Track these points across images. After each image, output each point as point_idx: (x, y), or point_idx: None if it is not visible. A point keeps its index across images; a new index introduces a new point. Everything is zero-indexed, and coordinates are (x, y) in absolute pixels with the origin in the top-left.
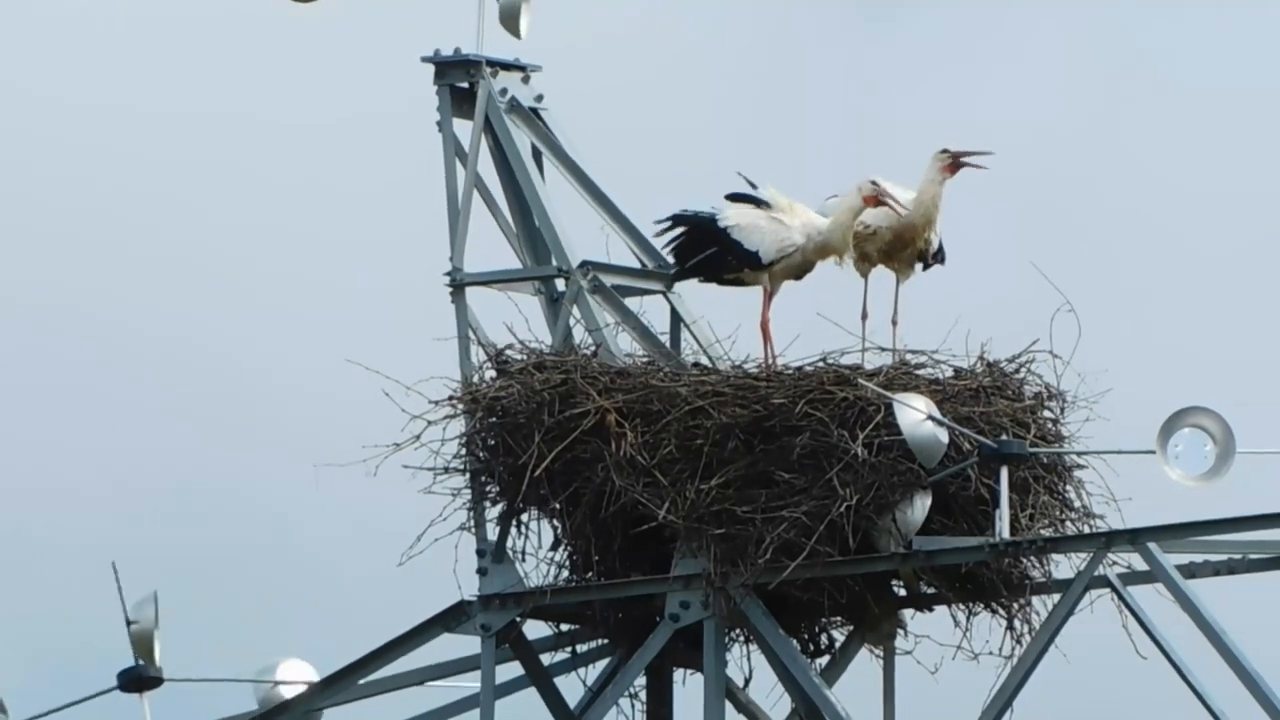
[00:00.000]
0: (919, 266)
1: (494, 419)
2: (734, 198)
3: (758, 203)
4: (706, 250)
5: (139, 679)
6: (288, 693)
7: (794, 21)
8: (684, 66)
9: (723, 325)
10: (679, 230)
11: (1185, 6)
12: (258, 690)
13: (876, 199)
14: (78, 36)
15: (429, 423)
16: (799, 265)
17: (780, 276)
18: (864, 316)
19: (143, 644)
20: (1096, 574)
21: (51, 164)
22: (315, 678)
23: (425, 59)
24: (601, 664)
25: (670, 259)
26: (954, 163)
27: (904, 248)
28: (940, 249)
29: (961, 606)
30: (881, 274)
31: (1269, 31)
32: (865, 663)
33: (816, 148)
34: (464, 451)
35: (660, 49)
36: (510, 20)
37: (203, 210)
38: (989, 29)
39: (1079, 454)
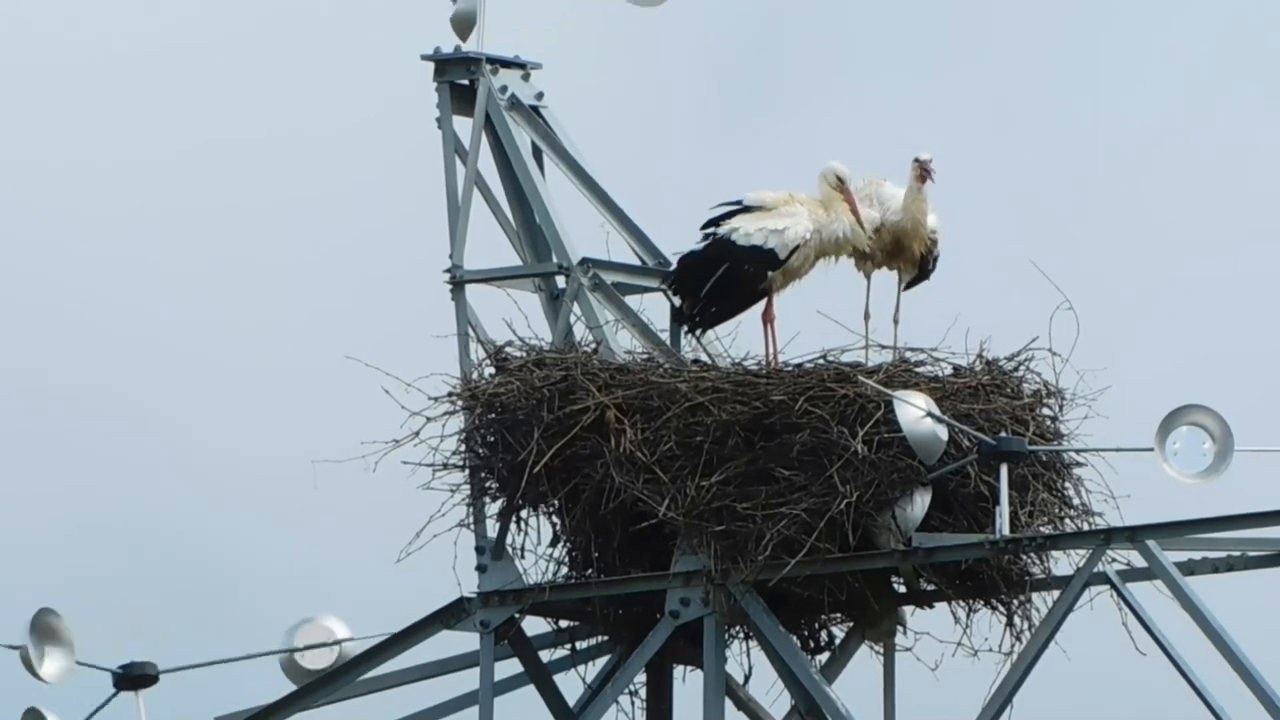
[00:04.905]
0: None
1: (493, 415)
2: (714, 221)
3: (748, 209)
4: (719, 269)
5: (135, 676)
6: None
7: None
8: (682, 65)
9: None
10: (685, 267)
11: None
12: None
13: (841, 189)
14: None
15: (428, 419)
16: (816, 251)
17: (796, 272)
18: (866, 316)
19: None
20: (1096, 571)
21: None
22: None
23: (425, 56)
24: (601, 661)
25: (687, 308)
26: (921, 171)
27: (901, 251)
28: (935, 260)
29: (961, 603)
30: (883, 273)
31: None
32: (865, 660)
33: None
34: (463, 448)
35: (661, 47)
36: (463, 26)
37: (205, 210)
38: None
39: (1078, 451)
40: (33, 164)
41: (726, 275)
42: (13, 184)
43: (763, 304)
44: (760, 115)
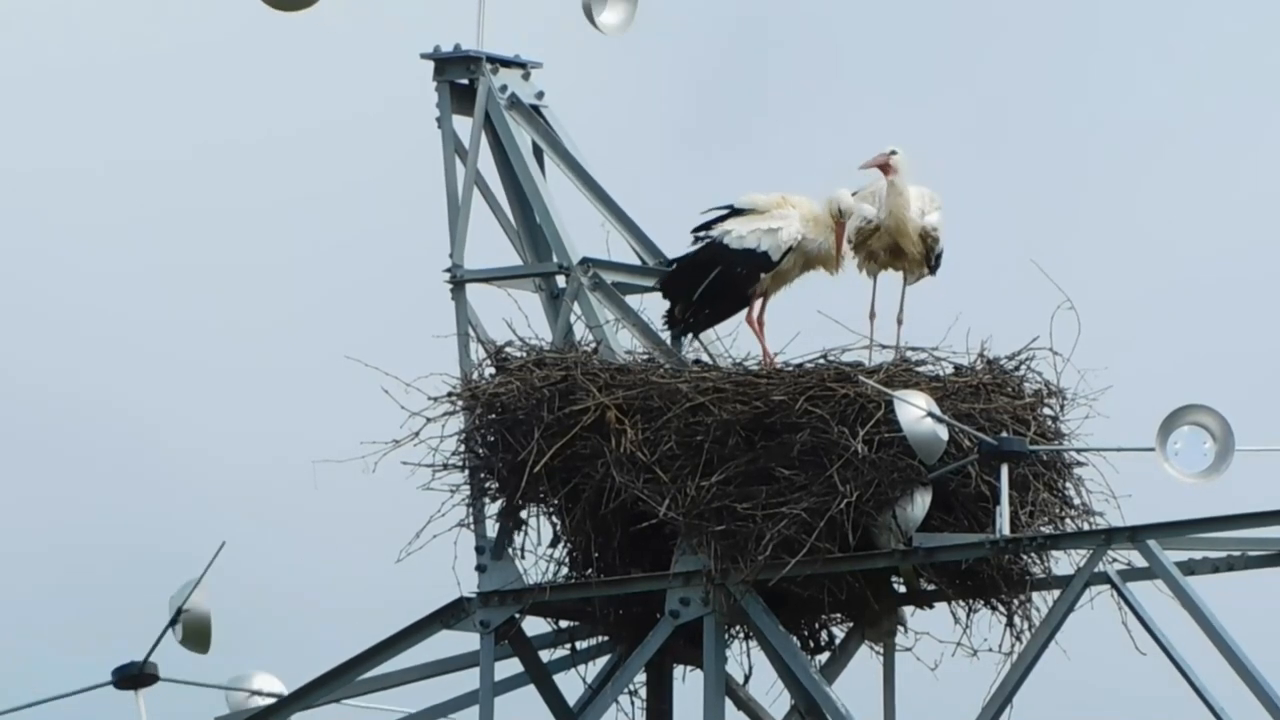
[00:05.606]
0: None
1: (493, 415)
2: (706, 225)
3: (740, 212)
4: (711, 272)
5: (134, 676)
6: (259, 703)
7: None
8: (683, 65)
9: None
10: (677, 271)
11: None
12: (231, 699)
13: (837, 223)
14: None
15: (428, 419)
16: (806, 257)
17: (786, 275)
18: (871, 316)
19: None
20: (1096, 571)
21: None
22: (283, 690)
23: (425, 55)
24: (601, 661)
25: (679, 312)
26: (884, 163)
27: (900, 252)
28: (938, 257)
29: (961, 603)
30: (888, 273)
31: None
32: (865, 659)
33: None
34: (463, 448)
35: (661, 46)
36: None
37: (204, 211)
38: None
39: (1079, 451)
40: (31, 166)
41: (719, 278)
42: (10, 186)
43: (752, 307)
44: (760, 115)
